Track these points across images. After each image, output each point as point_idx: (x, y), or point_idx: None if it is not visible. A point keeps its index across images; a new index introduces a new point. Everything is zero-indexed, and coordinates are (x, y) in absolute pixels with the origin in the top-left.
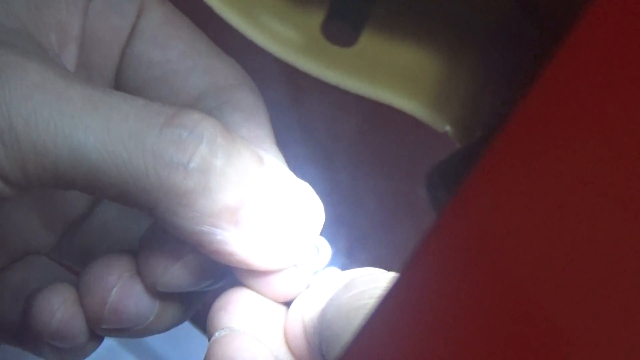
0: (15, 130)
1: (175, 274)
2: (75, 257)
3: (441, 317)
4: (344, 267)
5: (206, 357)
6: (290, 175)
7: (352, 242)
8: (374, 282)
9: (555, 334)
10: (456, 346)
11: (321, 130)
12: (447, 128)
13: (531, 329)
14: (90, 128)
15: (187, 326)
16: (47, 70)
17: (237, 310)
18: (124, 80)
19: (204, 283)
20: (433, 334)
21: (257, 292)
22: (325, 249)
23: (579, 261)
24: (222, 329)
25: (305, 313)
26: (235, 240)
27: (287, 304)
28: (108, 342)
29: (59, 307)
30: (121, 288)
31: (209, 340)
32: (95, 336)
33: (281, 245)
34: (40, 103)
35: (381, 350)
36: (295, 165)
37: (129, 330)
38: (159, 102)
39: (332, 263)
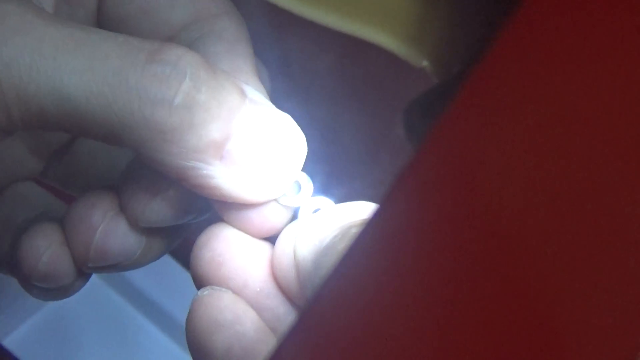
0: None
1: (155, 209)
2: (63, 180)
3: (419, 251)
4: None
5: (188, 317)
6: (272, 107)
7: (329, 177)
8: None
9: (531, 263)
10: (435, 279)
11: (299, 65)
12: (425, 63)
13: (506, 258)
14: (73, 69)
15: (168, 260)
16: (27, 12)
17: (219, 247)
18: (105, 14)
19: (186, 217)
20: (411, 268)
21: (238, 228)
22: (306, 183)
23: (552, 192)
24: (205, 288)
25: (298, 249)
26: (221, 174)
27: (269, 240)
28: (90, 278)
29: (44, 251)
30: (106, 227)
31: (194, 281)
32: (82, 274)
33: (265, 177)
34: (20, 47)
35: (359, 285)
36: (273, 100)
37: (116, 266)
38: (139, 38)
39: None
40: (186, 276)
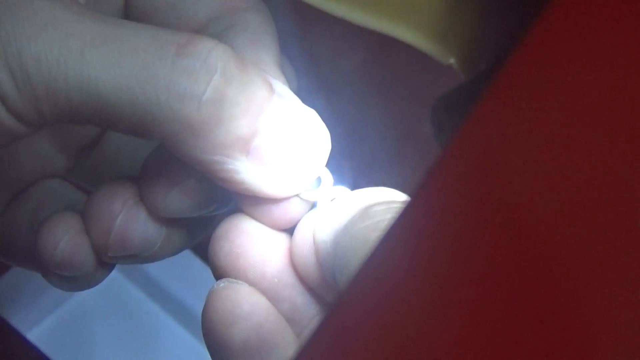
0: (27, 70)
1: (175, 198)
2: (91, 178)
3: (448, 243)
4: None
5: (204, 310)
6: (299, 102)
7: (356, 173)
8: (390, 213)
9: (560, 258)
10: (465, 271)
11: (326, 62)
12: (452, 61)
13: (535, 245)
14: (100, 64)
15: (187, 254)
16: (56, 6)
17: (238, 239)
18: (133, 8)
19: (206, 208)
20: (440, 260)
21: (258, 219)
22: (327, 178)
23: (582, 190)
24: (221, 280)
25: (317, 233)
26: (246, 169)
27: (287, 231)
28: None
29: (62, 237)
30: (126, 215)
31: (212, 272)
32: (104, 264)
33: (290, 173)
34: (49, 41)
35: (391, 275)
36: (300, 97)
37: (137, 257)
38: (169, 30)
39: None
40: (205, 270)
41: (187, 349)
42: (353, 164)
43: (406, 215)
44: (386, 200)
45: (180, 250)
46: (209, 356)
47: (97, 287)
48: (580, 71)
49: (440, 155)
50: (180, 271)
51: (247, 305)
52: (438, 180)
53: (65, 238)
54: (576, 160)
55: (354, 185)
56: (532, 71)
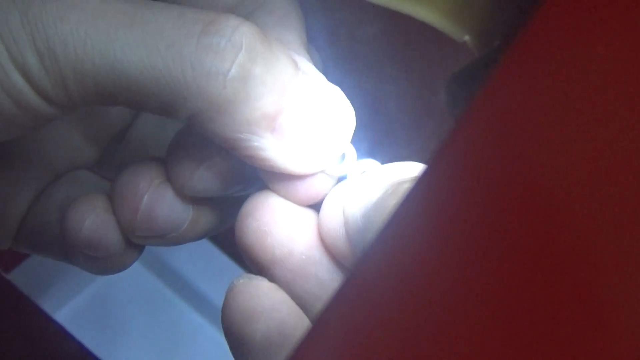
0: (54, 52)
1: (202, 177)
2: (118, 170)
3: (461, 212)
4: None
5: (224, 306)
6: (323, 79)
7: (373, 144)
8: None
9: (574, 224)
10: (479, 236)
11: (344, 35)
12: (466, 38)
13: (554, 218)
14: (126, 43)
15: (209, 247)
16: None
17: (264, 216)
18: None
19: (232, 188)
20: (454, 230)
21: (284, 196)
22: (351, 154)
23: (593, 159)
24: (240, 276)
25: (348, 208)
26: (272, 146)
27: (313, 207)
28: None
29: (88, 215)
30: (152, 194)
31: (240, 250)
32: (132, 245)
33: (315, 150)
34: (75, 23)
35: (408, 240)
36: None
37: (164, 237)
38: (195, 9)
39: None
40: (227, 261)
41: (207, 338)
42: (371, 134)
43: (421, 184)
44: (412, 168)
45: (207, 233)
46: (229, 350)
47: (120, 275)
48: (592, 44)
49: (454, 126)
50: (201, 262)
51: (267, 302)
52: (451, 151)
53: (91, 216)
54: (584, 129)
55: (373, 155)
56: (543, 44)
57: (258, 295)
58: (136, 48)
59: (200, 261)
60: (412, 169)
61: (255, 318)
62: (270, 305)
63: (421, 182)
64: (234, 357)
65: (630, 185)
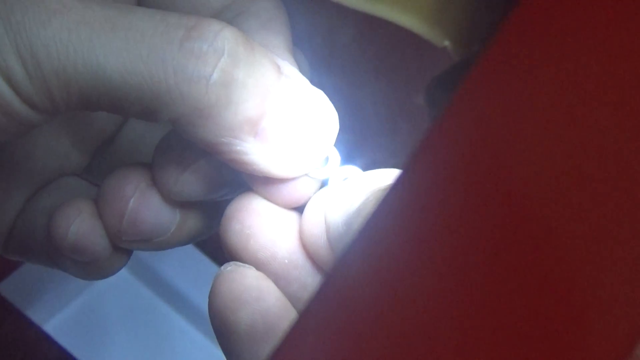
0: (37, 57)
1: (187, 181)
2: (106, 176)
3: (438, 213)
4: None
5: (211, 293)
6: (306, 83)
7: (350, 147)
8: None
9: (552, 229)
10: (454, 237)
11: (321, 38)
12: (446, 43)
13: (527, 217)
14: (109, 50)
15: (198, 255)
16: None
17: (248, 219)
18: None
19: (218, 192)
20: (430, 231)
21: (268, 199)
22: (335, 157)
23: (569, 160)
24: (228, 263)
25: (329, 214)
26: (255, 150)
27: (297, 210)
28: (120, 272)
29: (74, 220)
30: (138, 198)
31: (224, 251)
32: (120, 250)
33: (298, 154)
34: (58, 29)
35: (383, 247)
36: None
37: (151, 241)
38: (177, 14)
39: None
40: (215, 270)
41: (194, 345)
42: (349, 137)
43: (399, 184)
44: (394, 178)
45: (195, 238)
46: (216, 346)
47: (108, 284)
48: (569, 45)
49: (430, 129)
50: (188, 270)
51: (254, 290)
52: (428, 152)
53: (77, 221)
54: (560, 129)
55: (350, 157)
56: (517, 46)
57: (244, 283)
58: (118, 54)
59: (189, 270)
60: (393, 176)
61: (241, 306)
62: (256, 294)
63: (398, 183)
64: (220, 345)
65: (605, 183)
